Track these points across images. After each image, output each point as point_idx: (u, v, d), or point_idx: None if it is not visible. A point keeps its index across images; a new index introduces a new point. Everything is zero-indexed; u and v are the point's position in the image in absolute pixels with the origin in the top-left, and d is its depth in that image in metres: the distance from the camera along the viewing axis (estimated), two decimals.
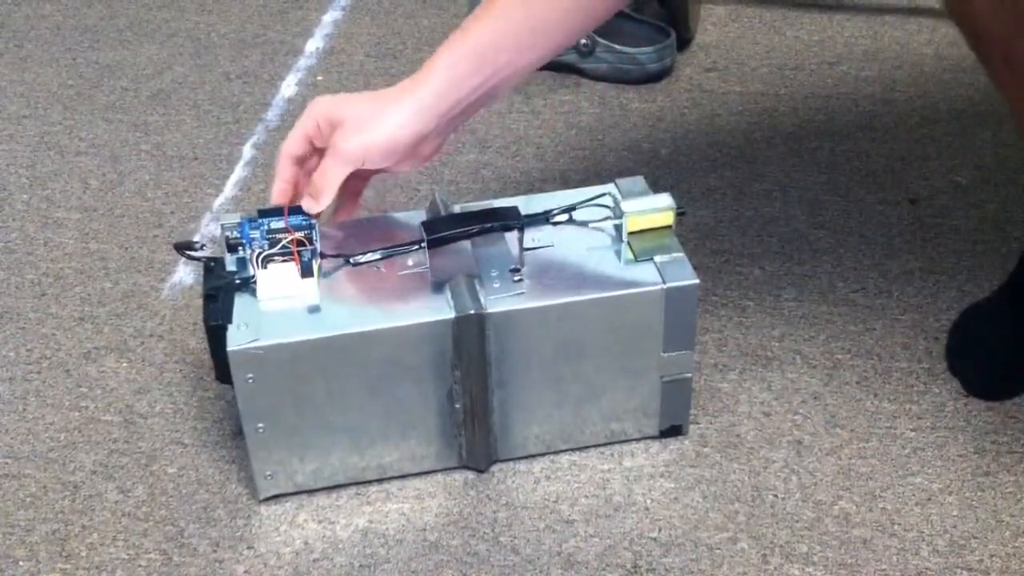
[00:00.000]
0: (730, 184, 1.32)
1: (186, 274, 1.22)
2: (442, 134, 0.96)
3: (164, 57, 1.60)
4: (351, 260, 0.96)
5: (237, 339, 0.90)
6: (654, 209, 0.98)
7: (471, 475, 1.00)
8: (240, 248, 0.97)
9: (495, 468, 1.00)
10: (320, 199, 0.95)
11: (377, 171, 0.98)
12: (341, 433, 0.95)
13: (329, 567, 0.93)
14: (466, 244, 0.97)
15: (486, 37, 0.93)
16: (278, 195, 0.98)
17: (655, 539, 0.94)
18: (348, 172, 0.94)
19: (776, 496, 0.97)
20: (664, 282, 0.94)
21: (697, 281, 0.94)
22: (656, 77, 1.50)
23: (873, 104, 1.45)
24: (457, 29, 0.94)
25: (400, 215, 1.03)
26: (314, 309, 0.93)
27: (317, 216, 0.97)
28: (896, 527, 0.94)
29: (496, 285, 0.93)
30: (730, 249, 1.23)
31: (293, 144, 0.97)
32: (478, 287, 0.93)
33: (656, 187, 1.02)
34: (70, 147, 1.43)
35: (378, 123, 0.92)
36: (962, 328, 1.09)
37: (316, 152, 0.98)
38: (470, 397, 0.95)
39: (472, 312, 0.91)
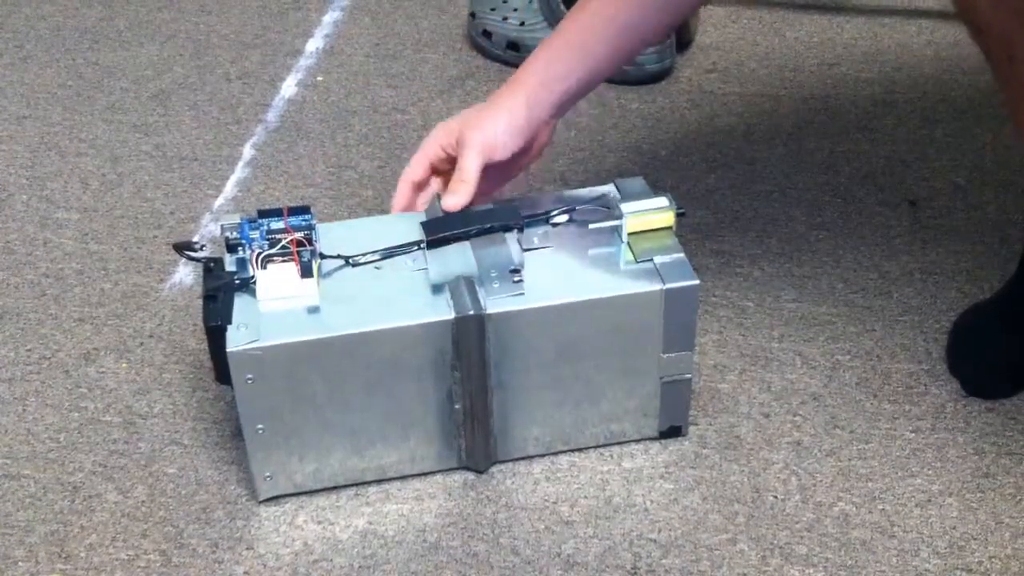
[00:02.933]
0: (730, 185, 1.32)
1: (186, 275, 1.22)
2: (550, 122, 1.05)
3: (164, 58, 1.60)
4: (351, 260, 0.96)
5: (237, 340, 0.90)
6: (654, 210, 0.98)
7: (471, 476, 1.00)
8: (240, 248, 0.97)
9: (495, 469, 1.00)
10: (461, 191, 0.99)
11: (504, 173, 1.05)
12: (341, 434, 0.95)
13: (329, 568, 0.93)
14: (466, 244, 0.97)
15: (580, 35, 1.02)
16: (402, 198, 1.05)
17: (655, 540, 0.94)
18: (482, 162, 0.99)
19: (776, 497, 0.97)
20: (664, 283, 0.94)
21: (697, 282, 0.94)
22: (656, 78, 1.50)
23: (873, 105, 1.45)
24: (555, 29, 1.05)
25: (400, 215, 1.03)
26: (314, 310, 0.93)
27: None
28: (896, 528, 0.94)
29: (496, 286, 0.93)
30: (730, 250, 1.23)
31: (416, 170, 1.04)
32: (478, 288, 0.93)
33: (656, 187, 1.02)
34: (70, 148, 1.43)
35: (496, 117, 1.01)
36: (962, 329, 1.09)
37: (436, 175, 1.06)
38: (470, 398, 0.95)
39: (472, 313, 0.91)
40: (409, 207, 1.05)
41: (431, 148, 1.04)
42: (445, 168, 1.03)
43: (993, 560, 0.92)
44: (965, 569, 0.91)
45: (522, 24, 1.53)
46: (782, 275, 1.19)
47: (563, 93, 1.03)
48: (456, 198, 0.99)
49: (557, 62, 1.02)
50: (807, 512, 0.96)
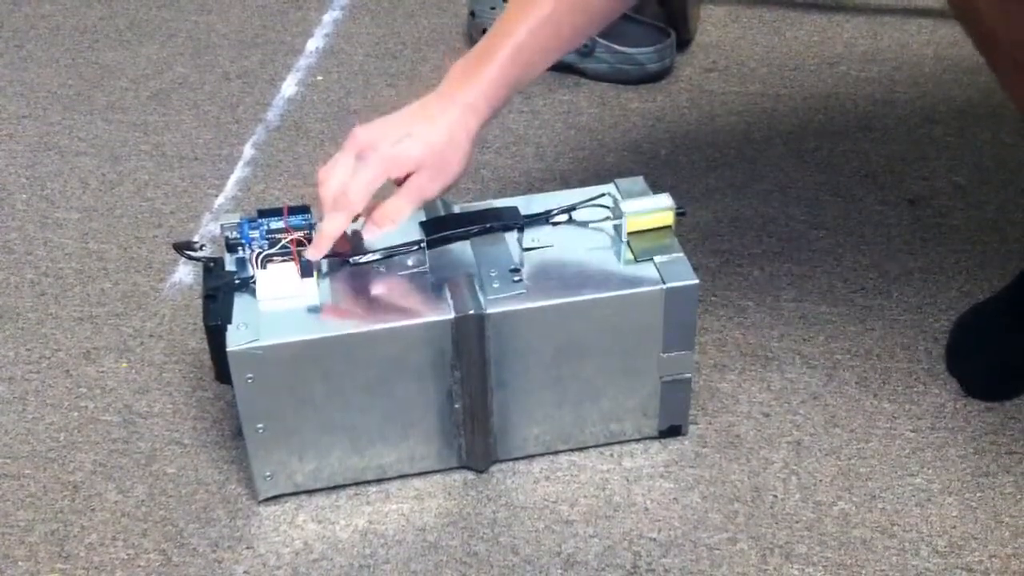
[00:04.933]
0: (730, 184, 1.32)
1: (186, 274, 1.22)
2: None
3: (164, 57, 1.60)
4: (351, 260, 0.96)
5: (236, 339, 0.90)
6: (654, 209, 0.98)
7: (471, 475, 1.00)
8: (240, 248, 0.97)
9: (495, 468, 1.00)
10: (386, 226, 0.94)
11: None
12: (341, 433, 0.95)
13: (328, 567, 0.93)
14: (466, 244, 0.97)
15: (527, 48, 0.95)
16: (323, 248, 0.94)
17: (654, 539, 0.94)
18: (419, 207, 0.95)
19: (775, 496, 0.97)
20: (664, 282, 0.94)
21: (697, 281, 0.94)
22: (656, 77, 1.50)
23: (873, 104, 1.45)
24: (487, 36, 0.96)
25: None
26: (314, 309, 0.93)
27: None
28: (895, 528, 0.94)
29: (496, 285, 0.93)
30: (730, 249, 1.23)
31: (359, 207, 0.93)
32: (478, 287, 0.93)
33: (656, 187, 1.02)
34: (70, 147, 1.43)
35: (455, 158, 0.94)
36: (962, 329, 1.09)
37: None
38: (470, 397, 0.95)
39: (472, 312, 0.91)
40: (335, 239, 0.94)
41: (379, 183, 0.93)
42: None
43: (993, 559, 0.92)
44: (965, 568, 0.91)
45: None
46: (782, 274, 1.19)
47: (496, 111, 0.97)
48: (379, 232, 0.94)
49: (503, 83, 0.95)
50: (807, 511, 0.96)
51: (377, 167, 0.93)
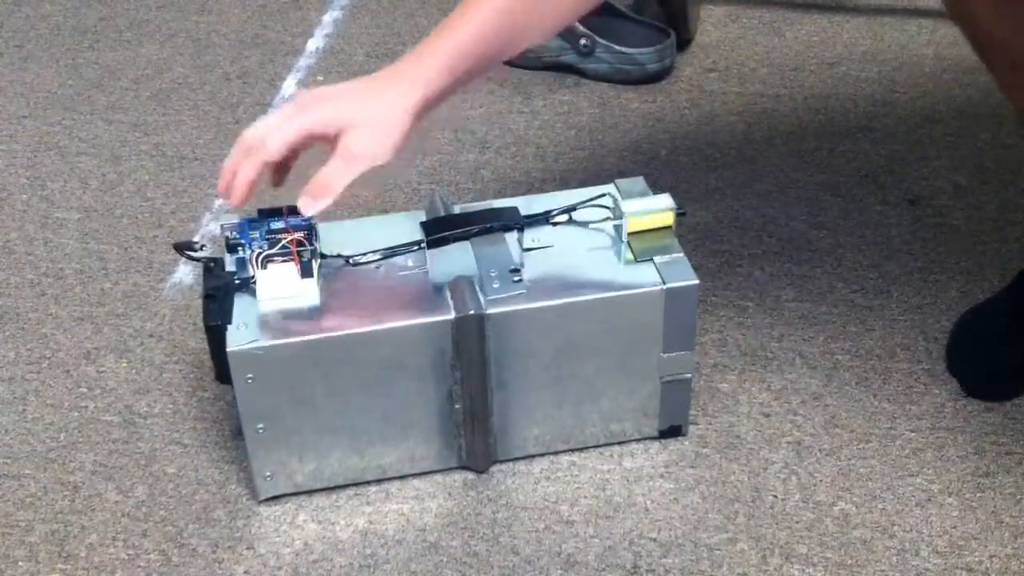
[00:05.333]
0: (730, 184, 1.32)
1: (186, 274, 1.22)
2: (441, 103, 0.94)
3: (164, 57, 1.60)
4: (351, 260, 0.96)
5: (237, 339, 0.90)
6: (654, 210, 0.98)
7: (471, 476, 1.00)
8: (240, 248, 0.97)
9: (495, 469, 1.00)
10: (321, 201, 0.90)
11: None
12: (341, 433, 0.95)
13: (329, 567, 0.93)
14: (466, 244, 0.97)
15: (468, 35, 0.92)
16: (240, 192, 0.91)
17: (655, 540, 0.94)
18: (358, 175, 0.90)
19: (776, 497, 0.97)
20: (664, 283, 0.94)
21: (697, 282, 0.94)
22: (656, 78, 1.50)
23: (873, 105, 1.45)
24: (442, 24, 0.94)
25: (400, 216, 1.03)
26: (314, 309, 0.93)
27: (247, 198, 0.92)
28: (896, 528, 0.94)
29: (496, 285, 0.93)
30: (730, 250, 1.23)
31: (278, 153, 0.90)
32: (478, 288, 0.93)
33: (656, 187, 1.02)
34: (70, 147, 1.43)
35: (393, 123, 0.90)
36: (962, 329, 1.09)
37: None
38: (470, 398, 0.95)
39: (472, 312, 0.91)
40: (251, 183, 0.91)
41: (301, 134, 0.90)
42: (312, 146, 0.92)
43: (993, 559, 0.92)
44: (965, 568, 0.91)
45: None
46: (782, 274, 1.19)
47: (445, 94, 0.93)
48: (316, 206, 0.90)
49: (460, 61, 0.92)
50: (807, 511, 0.96)
51: (300, 117, 0.90)
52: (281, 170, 0.95)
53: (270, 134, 0.90)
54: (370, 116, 0.90)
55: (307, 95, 0.92)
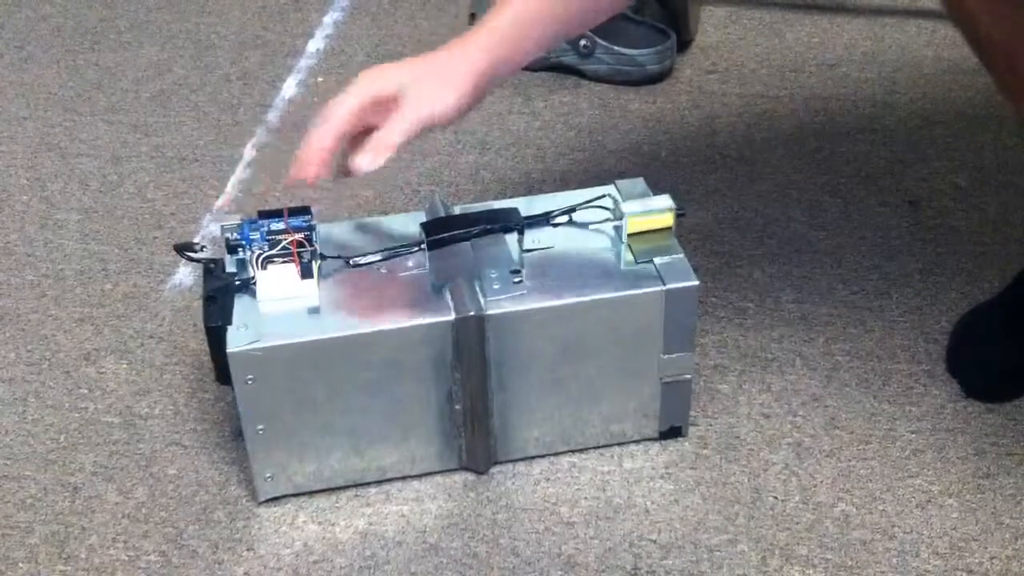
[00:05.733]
0: (730, 186, 1.32)
1: (186, 275, 1.22)
2: (498, 83, 0.96)
3: (164, 59, 1.60)
4: (351, 261, 0.96)
5: (237, 340, 0.90)
6: (654, 210, 0.98)
7: (471, 477, 1.00)
8: (240, 249, 0.97)
9: (495, 470, 1.00)
10: (381, 155, 0.91)
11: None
12: (341, 435, 0.95)
13: (329, 569, 0.93)
14: (466, 245, 0.97)
15: (532, 8, 0.95)
16: (314, 166, 0.92)
17: (655, 541, 0.94)
18: (416, 133, 0.92)
19: (776, 498, 0.97)
20: (664, 284, 0.94)
21: (697, 283, 0.94)
22: (656, 79, 1.50)
23: (873, 106, 1.45)
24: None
25: (400, 217, 1.03)
26: (314, 310, 0.93)
27: (320, 176, 0.93)
28: (896, 529, 0.94)
29: (496, 287, 0.93)
30: (730, 251, 1.23)
31: (343, 124, 0.92)
32: (478, 289, 0.93)
33: (656, 188, 1.02)
34: (70, 148, 1.43)
35: (449, 87, 0.92)
36: (962, 330, 1.09)
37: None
38: (470, 399, 0.95)
39: (472, 314, 0.91)
40: (328, 154, 0.92)
41: (362, 101, 0.92)
42: (370, 125, 0.94)
43: (993, 561, 0.92)
44: (965, 570, 0.91)
45: None
46: (782, 276, 1.19)
47: (514, 68, 0.95)
48: (374, 161, 0.91)
49: (518, 35, 0.94)
50: (807, 513, 0.96)
51: (362, 81, 0.92)
52: (355, 145, 0.94)
53: (335, 101, 0.92)
54: (431, 75, 0.92)
55: (370, 67, 0.94)
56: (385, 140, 0.91)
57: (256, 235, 0.97)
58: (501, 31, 0.94)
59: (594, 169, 1.35)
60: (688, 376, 0.99)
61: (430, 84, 0.92)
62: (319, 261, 0.95)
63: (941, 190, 1.30)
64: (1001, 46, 0.86)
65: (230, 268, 0.96)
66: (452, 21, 1.65)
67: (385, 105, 0.92)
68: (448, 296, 0.93)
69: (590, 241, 0.98)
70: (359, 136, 0.93)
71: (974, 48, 0.89)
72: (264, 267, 0.94)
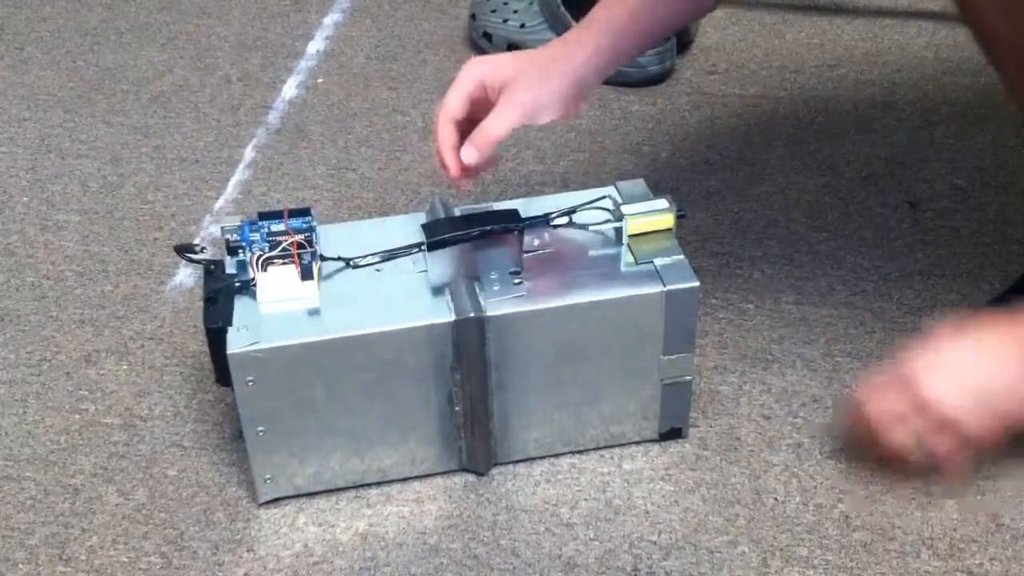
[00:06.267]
0: (730, 187, 1.32)
1: (186, 277, 1.22)
2: (592, 89, 1.01)
3: (165, 60, 1.60)
4: (351, 263, 0.96)
5: (237, 342, 0.90)
6: (654, 212, 0.98)
7: (471, 478, 1.00)
8: (240, 251, 0.97)
9: (495, 471, 1.00)
10: (485, 146, 0.96)
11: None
12: (341, 436, 0.95)
13: (329, 570, 0.93)
14: (466, 247, 0.97)
15: (625, 12, 1.00)
16: (448, 158, 0.98)
17: (655, 542, 0.94)
18: (519, 123, 0.96)
19: (776, 499, 0.97)
20: (664, 285, 0.94)
21: (697, 284, 0.94)
22: (656, 80, 1.50)
23: (873, 107, 1.45)
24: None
25: (400, 218, 1.03)
26: (314, 312, 0.93)
27: (467, 171, 0.98)
28: (896, 530, 0.94)
29: (496, 288, 0.93)
30: (730, 252, 1.23)
31: (456, 107, 0.97)
32: (478, 290, 0.93)
33: (656, 189, 1.02)
34: (70, 150, 1.43)
35: (549, 80, 0.96)
36: None
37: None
38: (470, 400, 0.95)
39: (472, 315, 0.91)
40: (455, 148, 0.98)
41: (471, 86, 0.98)
42: (477, 115, 0.99)
43: (993, 562, 0.92)
44: (965, 571, 0.91)
45: (522, 26, 1.53)
46: (782, 277, 1.19)
47: (613, 63, 1.00)
48: (478, 154, 0.96)
49: (614, 42, 0.99)
50: (808, 514, 0.96)
51: (468, 68, 0.98)
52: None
53: (448, 95, 0.98)
54: (533, 74, 0.96)
55: (478, 56, 1.00)
56: (487, 133, 0.96)
57: (256, 236, 0.97)
58: (600, 36, 0.99)
59: (594, 170, 1.35)
60: (688, 377, 0.99)
61: (531, 83, 0.96)
62: (319, 262, 0.95)
63: (942, 191, 1.30)
64: (1009, 43, 0.86)
65: (230, 269, 0.96)
66: (452, 22, 1.65)
67: (487, 96, 0.97)
68: (448, 297, 0.93)
69: (590, 242, 0.98)
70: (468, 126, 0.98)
71: (982, 45, 0.89)
72: (264, 268, 0.94)
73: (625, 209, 0.97)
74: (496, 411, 0.97)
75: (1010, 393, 0.81)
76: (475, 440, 0.98)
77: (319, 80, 1.55)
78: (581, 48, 0.98)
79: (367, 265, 0.97)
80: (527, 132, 1.42)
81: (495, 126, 0.96)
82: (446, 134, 0.98)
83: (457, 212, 1.01)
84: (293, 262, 0.94)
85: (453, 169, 0.99)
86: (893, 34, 1.59)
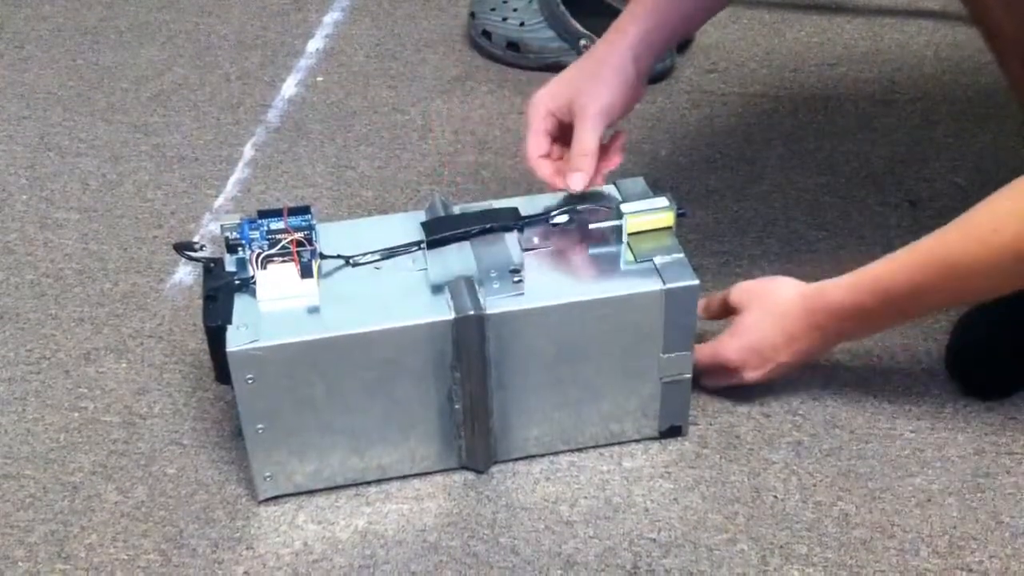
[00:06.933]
0: (730, 185, 1.32)
1: (186, 275, 1.22)
2: (652, 66, 1.06)
3: (164, 58, 1.60)
4: (351, 261, 0.96)
5: (237, 340, 0.90)
6: (654, 210, 0.98)
7: (471, 476, 1.00)
8: (240, 249, 0.97)
9: (495, 469, 1.00)
10: (585, 165, 0.98)
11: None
12: (341, 434, 0.95)
13: (328, 568, 0.93)
14: (466, 245, 0.97)
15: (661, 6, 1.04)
16: (560, 186, 1.00)
17: (655, 540, 0.94)
18: (601, 131, 1.00)
19: (776, 497, 0.97)
20: (664, 283, 0.94)
21: (697, 282, 0.94)
22: (656, 78, 1.50)
23: (873, 106, 1.45)
24: None
25: (400, 216, 1.03)
26: (314, 310, 0.93)
27: (592, 183, 1.00)
28: (896, 528, 0.94)
29: (496, 286, 0.93)
30: (730, 250, 1.23)
31: (538, 147, 1.02)
32: (478, 288, 0.93)
33: (656, 188, 1.02)
34: (70, 148, 1.43)
35: (608, 79, 1.00)
36: (962, 329, 1.08)
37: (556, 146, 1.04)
38: (470, 398, 0.95)
39: (472, 313, 0.91)
40: (557, 175, 1.01)
41: (543, 121, 1.02)
42: (555, 135, 1.04)
43: (993, 559, 0.92)
44: (965, 569, 0.91)
45: (522, 24, 1.53)
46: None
47: (662, 44, 1.03)
48: (583, 175, 0.98)
49: (656, 11, 1.03)
50: (807, 512, 0.96)
51: (533, 106, 1.02)
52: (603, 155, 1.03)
53: (527, 139, 1.03)
54: (588, 79, 1.01)
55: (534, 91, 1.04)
56: (581, 150, 0.99)
57: (256, 234, 0.97)
58: (641, 20, 1.02)
59: None
60: (688, 375, 0.99)
61: (592, 92, 1.00)
62: (319, 260, 0.95)
63: (941, 190, 1.30)
64: (1013, 39, 0.86)
65: (230, 267, 0.96)
66: (451, 20, 1.65)
67: (559, 122, 1.02)
68: (448, 295, 0.93)
69: (590, 240, 0.98)
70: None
71: (987, 41, 0.89)
72: (264, 266, 0.94)
73: (625, 207, 0.97)
74: (496, 409, 0.97)
75: (775, 349, 1.00)
76: (475, 438, 0.98)
77: (319, 78, 1.55)
78: (624, 37, 1.02)
79: (367, 263, 0.97)
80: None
81: (584, 143, 0.99)
82: (544, 171, 1.01)
83: (457, 210, 1.01)
84: (293, 260, 0.94)
85: (547, 175, 1.01)
86: (893, 33, 1.59)
